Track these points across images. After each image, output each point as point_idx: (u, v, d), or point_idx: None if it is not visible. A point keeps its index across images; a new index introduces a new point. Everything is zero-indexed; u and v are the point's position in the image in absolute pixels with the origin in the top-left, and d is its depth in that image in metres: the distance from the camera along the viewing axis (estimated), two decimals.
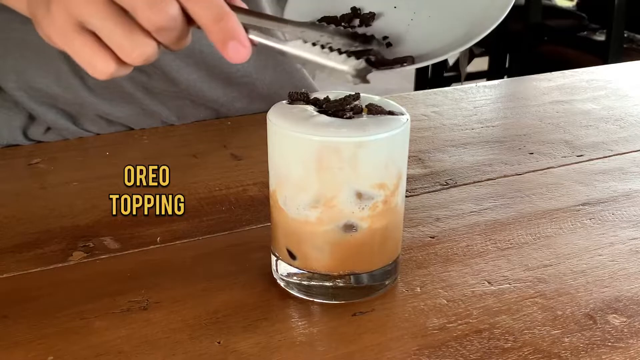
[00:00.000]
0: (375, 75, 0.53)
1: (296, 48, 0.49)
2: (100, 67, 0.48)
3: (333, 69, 0.49)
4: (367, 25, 0.57)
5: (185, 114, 0.86)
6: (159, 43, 0.47)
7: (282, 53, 0.49)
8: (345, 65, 0.49)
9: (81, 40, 0.47)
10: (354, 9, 0.57)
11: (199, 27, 0.47)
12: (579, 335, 0.49)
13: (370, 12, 0.57)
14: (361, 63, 0.49)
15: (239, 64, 0.83)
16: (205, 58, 0.81)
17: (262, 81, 0.86)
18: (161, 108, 0.84)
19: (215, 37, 0.47)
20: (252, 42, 0.48)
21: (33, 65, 0.79)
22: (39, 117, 0.81)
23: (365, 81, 0.49)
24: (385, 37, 0.55)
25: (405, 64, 0.52)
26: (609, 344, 0.48)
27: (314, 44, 0.49)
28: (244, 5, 0.50)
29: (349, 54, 0.49)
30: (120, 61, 0.47)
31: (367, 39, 0.51)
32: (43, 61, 0.78)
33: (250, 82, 0.85)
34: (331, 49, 0.49)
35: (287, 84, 0.87)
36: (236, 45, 0.47)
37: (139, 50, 0.47)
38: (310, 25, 0.50)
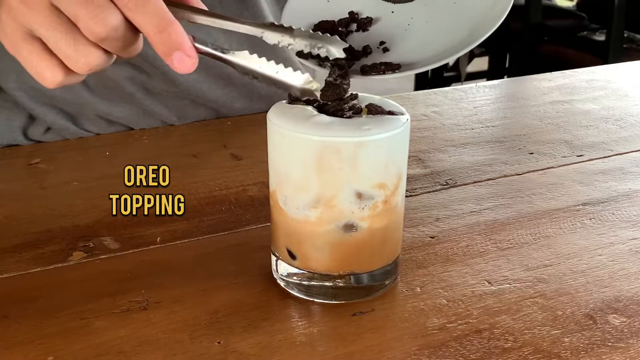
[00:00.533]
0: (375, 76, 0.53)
1: (242, 59, 0.49)
2: (48, 75, 0.48)
3: (281, 82, 0.49)
4: (365, 30, 0.56)
5: (185, 114, 0.86)
6: (107, 51, 0.47)
7: (230, 63, 0.49)
8: (294, 81, 0.49)
9: (29, 49, 0.47)
10: (351, 13, 0.57)
11: None
12: (579, 335, 0.49)
13: (367, 17, 0.57)
14: (308, 78, 0.49)
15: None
16: (205, 58, 0.81)
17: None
18: (161, 108, 0.84)
19: (159, 48, 0.46)
20: (199, 51, 0.47)
21: None
22: (39, 117, 0.81)
23: (313, 95, 0.49)
24: (382, 42, 0.55)
25: (396, 71, 0.52)
26: (609, 344, 0.48)
27: (265, 55, 0.48)
28: (200, 4, 0.50)
29: (297, 68, 0.49)
30: (68, 70, 0.47)
31: (330, 39, 0.51)
32: None
33: (249, 82, 0.85)
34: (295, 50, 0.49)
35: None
36: (181, 56, 0.46)
37: (84, 60, 0.46)
38: (270, 26, 0.50)
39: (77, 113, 0.82)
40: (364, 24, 0.57)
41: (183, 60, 0.46)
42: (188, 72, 0.47)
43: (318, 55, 0.51)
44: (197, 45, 0.47)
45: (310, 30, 0.51)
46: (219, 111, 0.87)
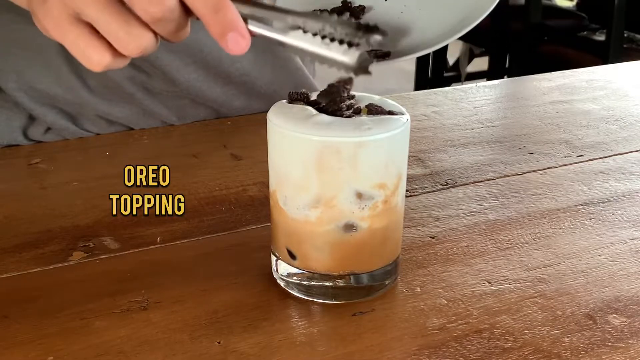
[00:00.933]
0: (374, 74, 0.53)
1: (296, 39, 0.48)
2: (95, 58, 0.47)
3: (334, 60, 0.48)
4: (357, 18, 0.56)
5: (185, 114, 0.86)
6: (156, 34, 0.47)
7: (282, 44, 0.48)
8: (346, 57, 0.48)
9: (76, 32, 0.46)
10: (344, 2, 0.57)
11: (197, 18, 0.47)
12: (579, 335, 0.49)
13: (360, 5, 0.57)
14: (363, 54, 0.48)
15: (238, 62, 0.83)
16: (205, 57, 0.81)
17: (261, 80, 0.86)
18: (161, 108, 0.84)
19: (214, 29, 0.46)
20: (252, 33, 0.47)
21: (33, 65, 0.79)
22: (39, 117, 0.81)
23: (367, 72, 0.49)
24: None
25: (387, 58, 0.52)
26: (609, 344, 0.48)
27: (315, 35, 0.48)
28: None
29: (350, 45, 0.48)
30: (116, 53, 0.47)
31: (370, 29, 0.50)
32: (43, 62, 0.78)
33: (249, 81, 0.85)
34: (333, 40, 0.48)
35: (287, 83, 0.87)
36: (235, 37, 0.46)
37: (136, 42, 0.46)
38: (312, 15, 0.49)
39: (77, 113, 0.82)
40: (357, 12, 0.56)
41: (237, 40, 0.46)
42: (241, 52, 0.46)
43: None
44: (250, 27, 0.47)
45: (352, 19, 0.50)
46: (218, 111, 0.87)
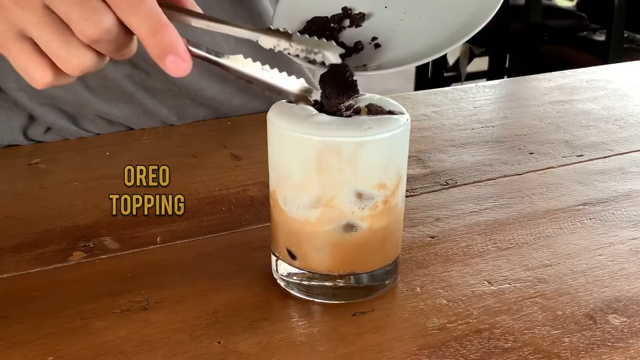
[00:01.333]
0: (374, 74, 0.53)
1: (237, 63, 0.48)
2: (37, 75, 0.47)
3: (275, 87, 0.48)
4: (357, 25, 0.56)
5: (185, 113, 0.86)
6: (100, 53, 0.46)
7: (224, 68, 0.48)
8: (288, 85, 0.49)
9: (18, 48, 0.46)
10: (344, 9, 0.57)
11: None
12: (579, 335, 0.49)
13: (359, 13, 0.57)
14: (302, 83, 0.49)
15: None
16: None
17: None
18: (161, 108, 0.84)
19: (152, 51, 0.45)
20: (192, 54, 0.46)
21: None
22: (38, 117, 0.81)
23: (308, 102, 0.49)
24: (374, 38, 0.55)
25: (374, 70, 0.52)
26: (609, 344, 0.48)
27: (263, 57, 0.48)
28: (195, 7, 0.49)
29: (291, 74, 0.49)
30: (58, 71, 0.47)
31: (328, 45, 0.51)
32: None
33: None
34: (289, 54, 0.49)
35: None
36: (174, 60, 0.45)
37: (76, 61, 0.46)
38: (266, 30, 0.50)
39: (77, 113, 0.82)
40: (357, 19, 0.56)
41: (177, 63, 0.45)
42: (182, 75, 0.46)
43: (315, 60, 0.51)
44: (191, 48, 0.47)
45: (306, 35, 0.51)
46: (218, 110, 0.87)
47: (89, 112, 0.82)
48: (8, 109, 0.81)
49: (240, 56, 0.48)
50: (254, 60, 0.48)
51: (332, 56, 0.51)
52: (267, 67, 0.48)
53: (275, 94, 0.49)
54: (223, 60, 0.48)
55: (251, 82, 0.49)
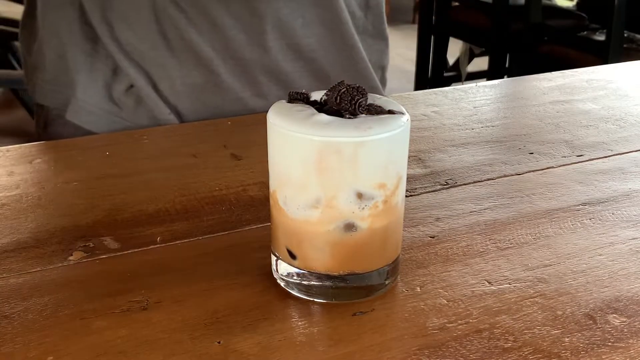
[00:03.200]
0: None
1: None
2: None
3: None
4: None
5: (259, 91, 0.87)
6: None
7: None
8: None
9: None
10: None
11: None
12: (579, 335, 0.49)
13: None
14: None
15: (309, 38, 0.87)
16: (282, 26, 0.85)
17: (326, 59, 0.88)
18: (233, 80, 0.85)
19: None
20: None
21: (127, 19, 0.82)
22: (123, 70, 0.84)
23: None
24: None
25: None
26: (609, 344, 0.48)
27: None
28: None
29: None
30: None
31: None
32: (136, 17, 0.82)
33: (317, 58, 0.88)
34: None
35: (349, 71, 0.88)
36: None
37: None
38: None
39: (158, 77, 0.85)
40: None
41: None
42: None
43: None
44: None
45: None
46: (291, 87, 0.88)
47: (166, 78, 0.85)
48: (97, 58, 0.84)
49: None
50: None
51: None
52: None
53: None
54: None
55: None
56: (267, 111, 0.51)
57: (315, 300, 0.52)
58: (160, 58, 0.83)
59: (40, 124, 0.92)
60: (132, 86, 0.85)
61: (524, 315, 0.51)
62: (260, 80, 0.87)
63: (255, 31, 0.84)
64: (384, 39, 0.98)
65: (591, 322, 0.50)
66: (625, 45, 2.57)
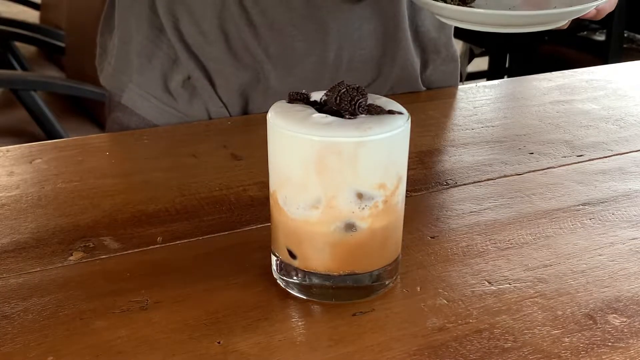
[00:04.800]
0: None
1: None
2: None
3: None
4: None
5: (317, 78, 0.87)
6: None
7: None
8: None
9: None
10: None
11: None
12: (579, 335, 0.49)
13: None
14: None
15: (365, 50, 0.88)
16: (342, 39, 0.86)
17: (380, 71, 0.90)
18: (279, 82, 0.86)
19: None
20: None
21: (190, 12, 0.83)
22: (182, 61, 0.85)
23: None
24: None
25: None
26: (609, 344, 0.48)
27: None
28: None
29: None
30: None
31: None
32: (200, 13, 0.83)
33: (368, 70, 0.90)
34: None
35: (395, 56, 0.90)
36: None
37: None
38: None
39: (213, 70, 0.86)
40: None
41: None
42: None
43: None
44: None
45: None
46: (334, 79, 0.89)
47: (221, 73, 0.85)
48: (159, 47, 0.85)
49: None
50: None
51: None
52: None
53: None
54: None
55: None
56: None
57: (315, 300, 0.52)
58: (218, 53, 0.84)
59: (107, 110, 0.95)
60: (189, 77, 0.86)
61: (524, 315, 0.51)
62: (295, 82, 0.87)
63: (314, 40, 0.84)
64: (454, 60, 0.99)
65: (591, 322, 0.50)
66: (625, 45, 2.57)
